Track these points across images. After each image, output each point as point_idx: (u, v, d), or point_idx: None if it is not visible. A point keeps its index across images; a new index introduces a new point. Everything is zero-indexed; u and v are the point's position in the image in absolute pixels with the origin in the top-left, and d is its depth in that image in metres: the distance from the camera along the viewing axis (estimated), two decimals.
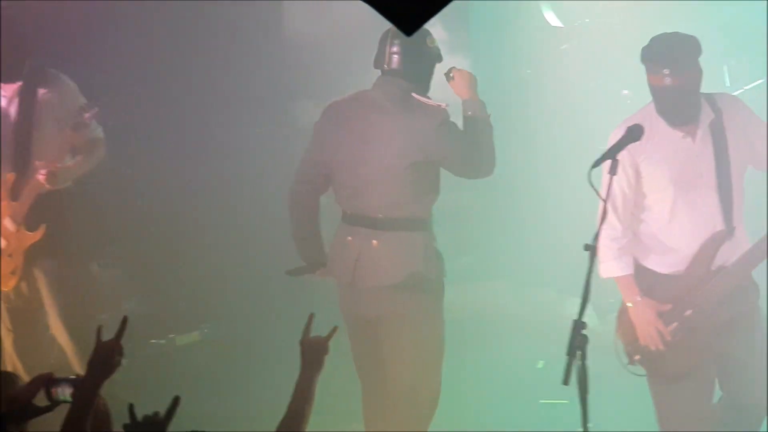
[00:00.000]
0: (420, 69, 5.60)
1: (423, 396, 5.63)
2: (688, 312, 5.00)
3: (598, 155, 4.57)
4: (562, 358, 4.11)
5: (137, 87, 7.28)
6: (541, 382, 6.73)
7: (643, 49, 4.99)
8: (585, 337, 4.09)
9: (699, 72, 4.97)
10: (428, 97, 5.60)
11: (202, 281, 7.35)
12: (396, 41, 5.53)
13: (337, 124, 5.67)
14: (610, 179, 4.49)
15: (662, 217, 5.09)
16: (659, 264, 5.10)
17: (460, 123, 5.57)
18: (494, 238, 7.37)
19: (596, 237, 4.27)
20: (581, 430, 4.05)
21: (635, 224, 5.13)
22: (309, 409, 3.82)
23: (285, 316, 6.62)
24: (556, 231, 7.45)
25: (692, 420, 5.06)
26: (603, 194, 4.41)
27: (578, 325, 4.10)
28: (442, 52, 5.65)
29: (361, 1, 2.83)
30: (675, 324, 5.01)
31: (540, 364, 6.84)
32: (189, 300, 7.41)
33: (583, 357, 4.07)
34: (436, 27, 5.68)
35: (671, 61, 4.90)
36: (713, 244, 5.00)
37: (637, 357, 5.09)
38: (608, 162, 4.54)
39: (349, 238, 5.62)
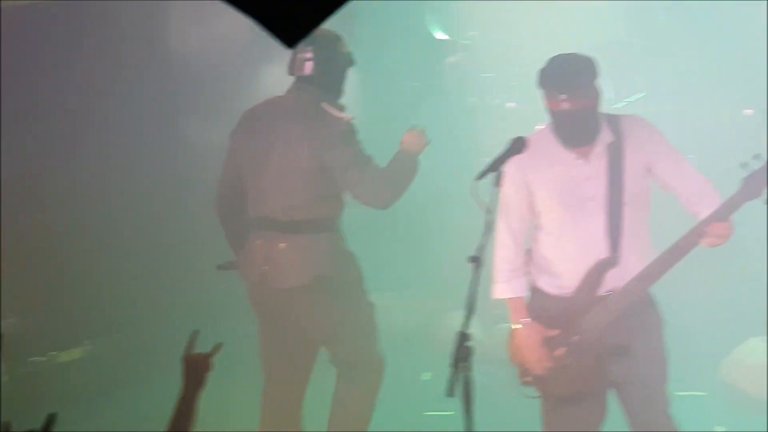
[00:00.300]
0: (332, 74, 5.67)
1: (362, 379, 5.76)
2: (576, 337, 4.93)
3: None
4: (448, 370, 4.11)
5: (17, 93, 7.14)
6: (427, 393, 6.73)
7: (540, 72, 4.91)
8: (470, 348, 4.09)
9: (596, 94, 4.89)
10: (339, 106, 5.66)
11: (85, 296, 7.23)
12: (308, 47, 5.57)
13: (248, 131, 5.77)
14: (496, 192, 4.44)
15: (552, 239, 5.01)
16: (550, 285, 5.03)
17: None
18: (380, 249, 7.35)
19: (480, 249, 4.26)
20: None
21: (533, 243, 5.09)
22: (190, 426, 3.76)
23: (169, 331, 6.53)
24: (443, 243, 7.48)
25: None
26: (493, 207, 4.38)
27: (462, 336, 4.10)
28: None
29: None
30: (563, 349, 4.95)
31: (426, 376, 6.85)
32: (71, 316, 7.27)
33: (468, 368, 4.06)
34: None
35: (568, 86, 4.82)
36: (597, 270, 4.91)
37: (528, 378, 5.04)
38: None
39: (258, 241, 5.69)
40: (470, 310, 4.15)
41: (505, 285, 5.05)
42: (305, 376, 5.84)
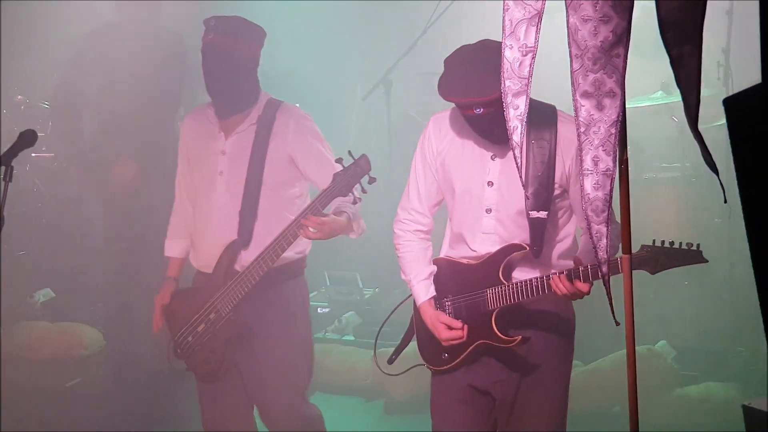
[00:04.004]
0: None
1: None
2: (212, 315, 4.99)
3: None
4: None
5: None
6: None
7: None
8: None
9: (249, 63, 4.99)
10: None
11: None
12: None
13: None
14: (5, 186, 4.25)
15: (193, 212, 5.14)
16: (194, 260, 5.16)
17: None
18: None
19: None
20: None
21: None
22: None
23: None
24: None
25: (227, 420, 5.15)
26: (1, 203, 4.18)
27: None
28: None
29: None
30: (202, 326, 5.02)
31: None
32: None
33: None
34: None
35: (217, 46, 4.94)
36: (229, 250, 4.99)
37: (179, 350, 5.12)
38: None
39: None
40: None
41: (167, 242, 5.29)
42: None
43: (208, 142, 5.08)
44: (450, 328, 4.37)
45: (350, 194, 4.72)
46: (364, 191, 4.75)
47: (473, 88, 4.06)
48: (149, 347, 6.35)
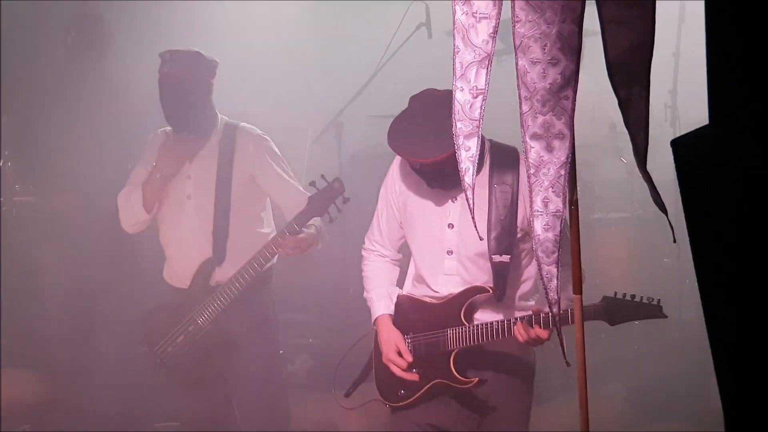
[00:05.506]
0: None
1: None
2: (191, 327, 5.27)
3: None
4: None
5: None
6: None
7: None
8: None
9: (203, 89, 5.31)
10: None
11: None
12: None
13: None
14: None
15: (163, 230, 5.44)
16: (167, 274, 5.47)
17: None
18: None
19: None
20: None
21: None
22: None
23: None
24: None
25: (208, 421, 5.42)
26: None
27: None
28: None
29: None
30: (182, 337, 5.27)
31: None
32: None
33: None
34: None
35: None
36: (203, 269, 5.28)
37: (158, 360, 5.38)
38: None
39: None
40: None
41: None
42: None
43: (175, 165, 5.34)
44: (400, 355, 4.38)
45: (326, 214, 5.10)
46: (339, 210, 5.10)
47: (413, 149, 4.19)
48: (102, 396, 6.30)
